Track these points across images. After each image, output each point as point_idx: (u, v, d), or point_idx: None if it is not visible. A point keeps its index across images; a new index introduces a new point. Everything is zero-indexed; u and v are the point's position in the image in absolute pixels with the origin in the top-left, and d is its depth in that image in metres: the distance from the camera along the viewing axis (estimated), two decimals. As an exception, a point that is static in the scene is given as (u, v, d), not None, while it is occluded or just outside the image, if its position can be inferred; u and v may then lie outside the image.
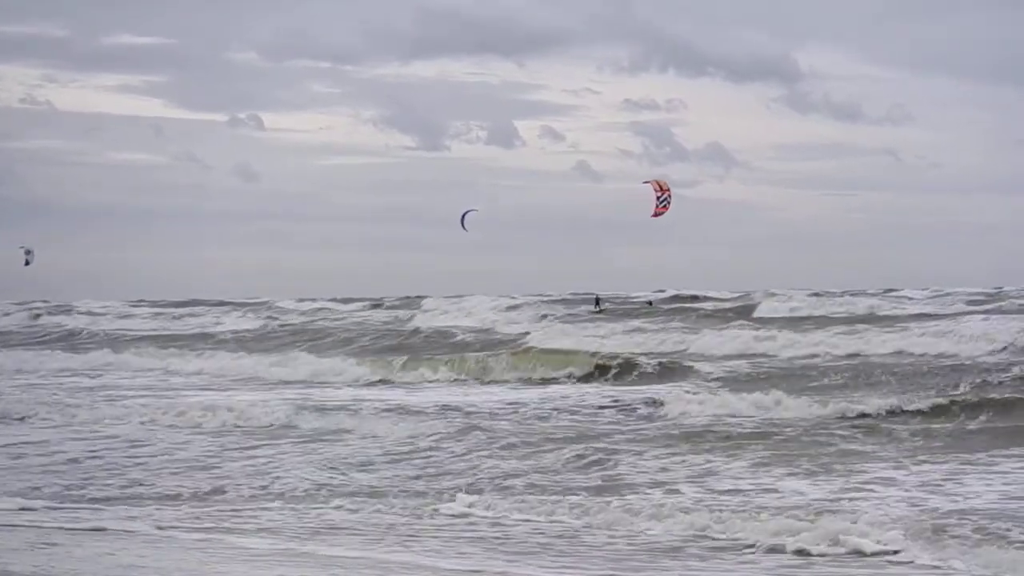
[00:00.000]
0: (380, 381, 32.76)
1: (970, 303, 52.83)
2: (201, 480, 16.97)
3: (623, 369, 31.66)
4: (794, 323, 44.93)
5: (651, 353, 36.43)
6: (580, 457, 17.87)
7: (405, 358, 36.09)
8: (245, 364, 37.93)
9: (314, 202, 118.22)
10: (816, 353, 34.45)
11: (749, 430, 20.71)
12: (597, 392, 27.66)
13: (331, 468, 17.79)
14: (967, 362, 29.59)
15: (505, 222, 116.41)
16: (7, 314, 72.53)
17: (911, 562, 11.63)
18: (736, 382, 27.94)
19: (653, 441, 19.57)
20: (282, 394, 28.68)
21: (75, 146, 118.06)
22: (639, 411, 24.02)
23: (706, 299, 65.17)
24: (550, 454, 18.29)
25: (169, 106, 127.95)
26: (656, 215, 29.22)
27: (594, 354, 35.10)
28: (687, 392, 25.67)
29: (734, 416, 22.64)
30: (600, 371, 31.72)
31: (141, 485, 16.64)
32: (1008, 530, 12.06)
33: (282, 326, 55.30)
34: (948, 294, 63.23)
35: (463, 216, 40.61)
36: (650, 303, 66.16)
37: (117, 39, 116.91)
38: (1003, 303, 50.72)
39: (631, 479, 16.31)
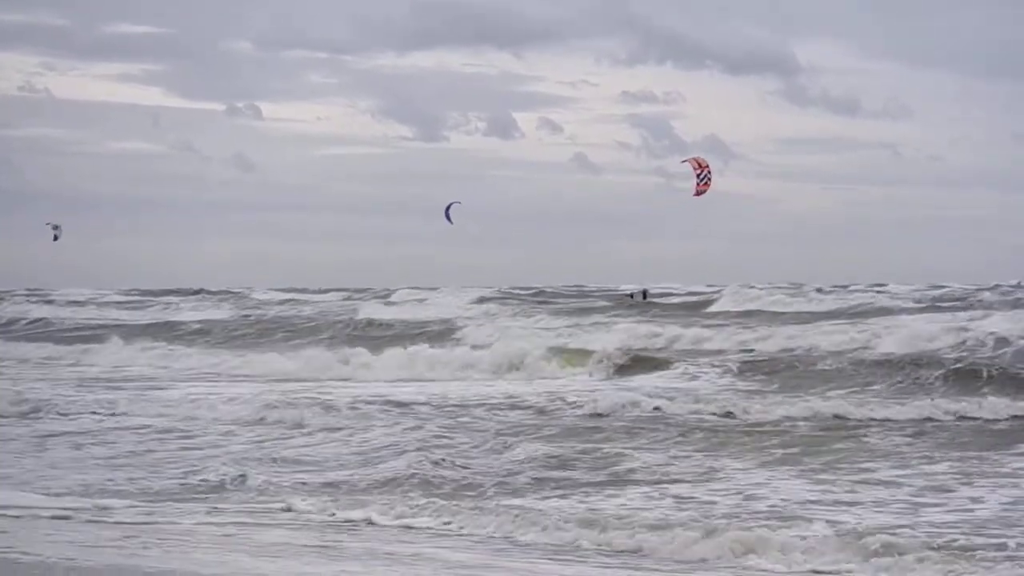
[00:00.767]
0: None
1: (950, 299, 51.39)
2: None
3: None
4: (729, 317, 44.94)
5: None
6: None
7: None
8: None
9: (312, 192, 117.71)
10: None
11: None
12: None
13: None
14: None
15: (503, 214, 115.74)
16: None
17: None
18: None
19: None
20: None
21: (73, 135, 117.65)
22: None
23: (674, 294, 63.87)
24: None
25: (168, 95, 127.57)
26: (698, 193, 28.50)
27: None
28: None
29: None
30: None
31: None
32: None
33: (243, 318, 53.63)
34: (939, 287, 62.68)
35: (447, 209, 39.72)
36: (631, 296, 66.72)
37: (116, 28, 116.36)
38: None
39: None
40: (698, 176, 28.20)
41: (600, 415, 21.71)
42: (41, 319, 54.90)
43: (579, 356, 31.82)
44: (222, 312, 57.12)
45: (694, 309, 52.14)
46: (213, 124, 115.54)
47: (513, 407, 22.86)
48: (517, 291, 75.68)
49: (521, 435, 18.93)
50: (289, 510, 13.47)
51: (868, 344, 32.16)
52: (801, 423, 20.12)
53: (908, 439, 18.30)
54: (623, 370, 29.80)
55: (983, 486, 14.33)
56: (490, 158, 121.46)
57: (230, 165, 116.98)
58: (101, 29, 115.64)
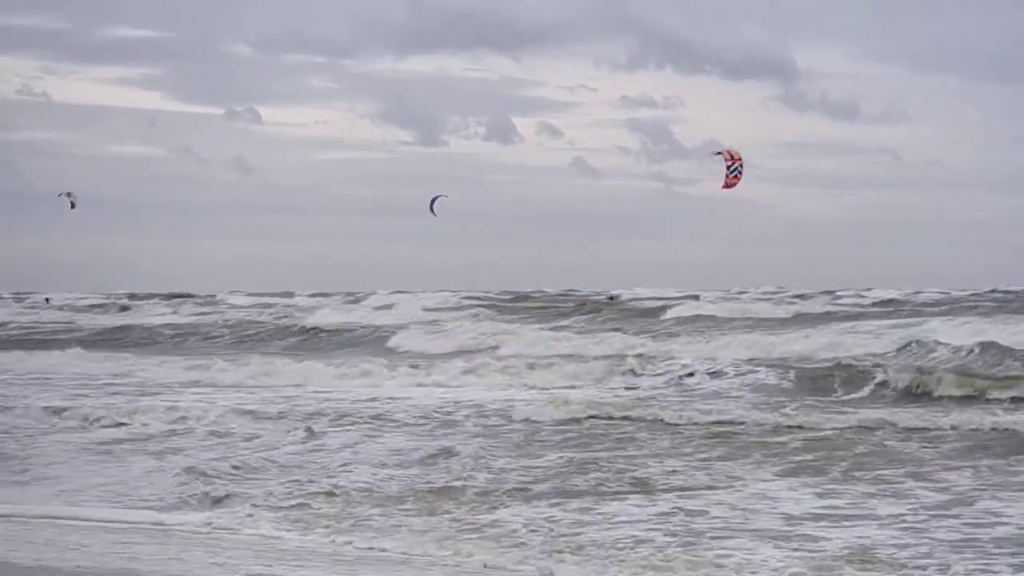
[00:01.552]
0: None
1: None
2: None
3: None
4: (680, 324, 44.73)
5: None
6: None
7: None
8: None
9: (312, 196, 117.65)
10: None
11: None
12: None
13: None
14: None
15: (503, 218, 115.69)
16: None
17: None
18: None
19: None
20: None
21: (72, 138, 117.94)
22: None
23: (641, 299, 63.62)
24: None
25: (166, 99, 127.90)
26: (727, 187, 27.42)
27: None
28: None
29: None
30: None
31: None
32: None
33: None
34: (920, 292, 62.25)
35: (432, 202, 39.63)
36: (612, 298, 67.52)
37: (115, 32, 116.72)
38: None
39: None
40: (728, 168, 27.21)
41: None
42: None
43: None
44: (167, 318, 57.01)
45: (650, 314, 52.03)
46: (212, 128, 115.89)
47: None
48: (497, 295, 75.92)
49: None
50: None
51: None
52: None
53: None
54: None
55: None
56: (490, 163, 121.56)
57: (229, 169, 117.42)
58: (100, 33, 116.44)
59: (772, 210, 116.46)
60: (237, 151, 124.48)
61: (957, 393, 23.63)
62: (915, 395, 23.97)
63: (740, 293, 74.69)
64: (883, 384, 24.79)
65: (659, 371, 28.58)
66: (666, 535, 11.72)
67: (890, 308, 49.77)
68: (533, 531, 12.01)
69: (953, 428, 18.76)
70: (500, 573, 10.50)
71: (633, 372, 28.91)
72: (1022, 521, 12.13)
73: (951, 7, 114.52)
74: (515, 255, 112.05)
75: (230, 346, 42.03)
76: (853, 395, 24.42)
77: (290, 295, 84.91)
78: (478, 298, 72.20)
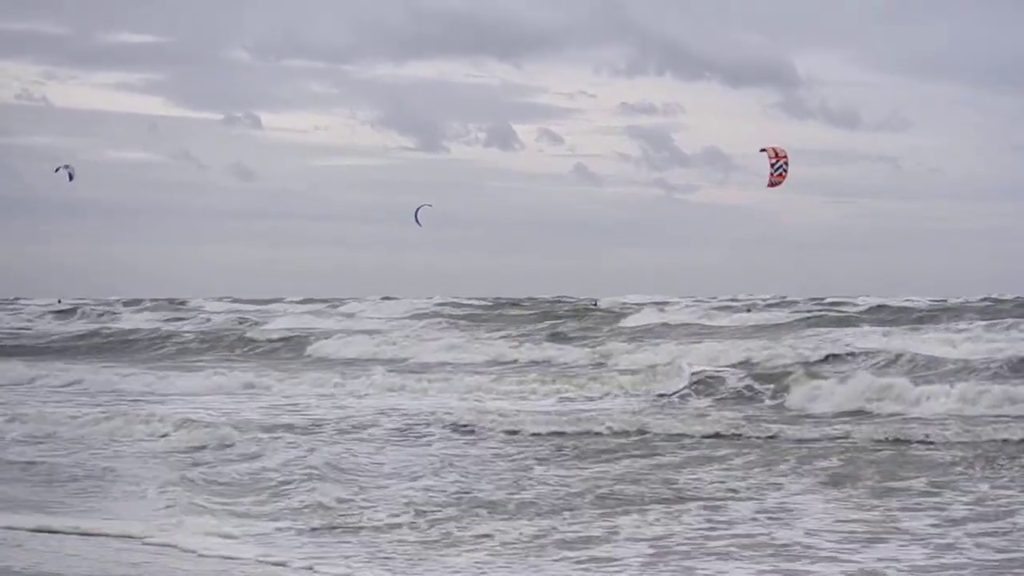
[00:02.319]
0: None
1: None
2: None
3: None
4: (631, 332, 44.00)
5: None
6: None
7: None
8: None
9: (312, 202, 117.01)
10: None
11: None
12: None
13: None
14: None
15: (504, 224, 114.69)
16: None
17: None
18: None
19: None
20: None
21: (72, 143, 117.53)
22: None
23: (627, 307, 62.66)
24: None
25: (167, 104, 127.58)
26: (772, 184, 26.94)
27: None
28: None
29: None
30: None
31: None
32: None
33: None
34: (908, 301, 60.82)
35: (416, 212, 39.20)
36: (595, 303, 68.70)
37: (116, 37, 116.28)
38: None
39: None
40: (773, 165, 26.72)
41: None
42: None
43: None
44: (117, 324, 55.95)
45: (610, 321, 51.02)
46: (212, 133, 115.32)
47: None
48: (484, 302, 75.17)
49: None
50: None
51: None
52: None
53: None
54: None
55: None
56: (490, 169, 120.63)
57: (228, 174, 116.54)
58: (101, 38, 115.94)
59: (772, 217, 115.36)
60: (237, 157, 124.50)
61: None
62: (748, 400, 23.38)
63: (732, 300, 73.61)
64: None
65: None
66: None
67: (876, 316, 48.17)
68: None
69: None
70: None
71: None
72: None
73: (951, 16, 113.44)
74: (515, 261, 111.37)
75: (115, 354, 40.35)
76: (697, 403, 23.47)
77: (278, 301, 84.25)
78: (465, 305, 71.56)
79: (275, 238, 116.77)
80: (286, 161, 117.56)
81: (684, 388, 24.57)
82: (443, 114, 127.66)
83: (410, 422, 19.81)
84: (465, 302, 74.80)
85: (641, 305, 62.10)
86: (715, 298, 75.96)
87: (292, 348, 40.07)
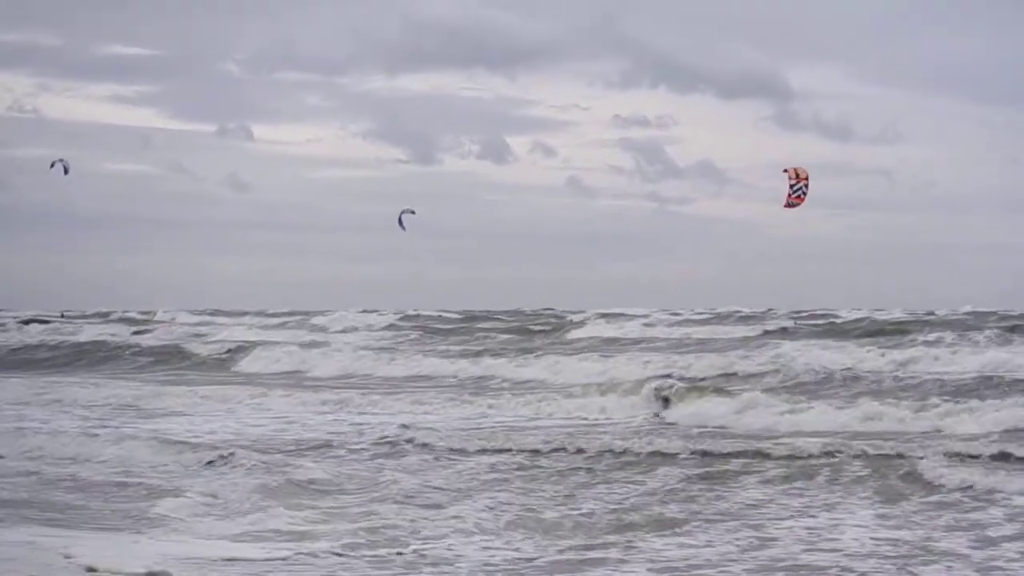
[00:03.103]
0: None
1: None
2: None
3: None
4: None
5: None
6: None
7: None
8: None
9: (306, 214, 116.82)
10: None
11: None
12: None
13: None
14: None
15: (498, 236, 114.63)
16: None
17: None
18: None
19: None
20: None
21: (65, 155, 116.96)
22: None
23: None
24: None
25: (160, 116, 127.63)
26: (789, 206, 25.88)
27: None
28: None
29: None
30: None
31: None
32: None
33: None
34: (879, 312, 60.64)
35: (400, 216, 39.07)
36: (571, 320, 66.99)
37: (110, 49, 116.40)
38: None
39: None
40: (792, 187, 25.79)
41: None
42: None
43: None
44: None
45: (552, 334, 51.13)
46: (205, 145, 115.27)
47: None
48: (458, 314, 75.04)
49: None
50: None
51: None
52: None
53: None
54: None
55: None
56: (484, 181, 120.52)
57: (222, 186, 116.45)
58: (96, 50, 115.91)
59: (767, 230, 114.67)
60: (230, 169, 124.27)
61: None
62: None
63: (718, 312, 73.34)
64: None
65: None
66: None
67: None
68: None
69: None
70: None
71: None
72: None
73: (945, 29, 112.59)
74: (509, 273, 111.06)
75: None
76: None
77: (261, 313, 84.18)
78: (432, 317, 71.30)
79: (270, 250, 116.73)
80: (279, 173, 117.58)
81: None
82: (437, 127, 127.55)
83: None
84: (442, 314, 74.62)
85: (587, 319, 61.66)
86: (694, 310, 75.25)
87: (222, 364, 40.17)
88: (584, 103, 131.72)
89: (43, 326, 62.13)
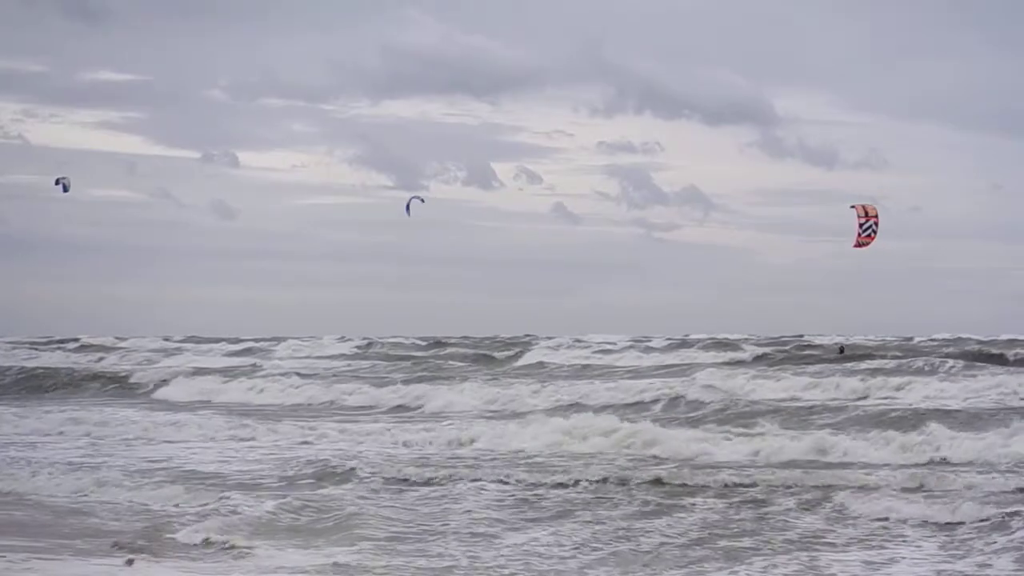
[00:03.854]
0: None
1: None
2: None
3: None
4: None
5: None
6: None
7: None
8: None
9: (290, 241, 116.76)
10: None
11: None
12: None
13: None
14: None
15: (483, 262, 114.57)
16: None
17: None
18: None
19: None
20: None
21: (50, 181, 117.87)
22: None
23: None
24: None
25: (146, 143, 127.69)
26: (859, 245, 25.69)
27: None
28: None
29: None
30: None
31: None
32: None
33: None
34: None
35: (408, 203, 39.34)
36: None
37: (95, 75, 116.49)
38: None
39: None
40: (862, 226, 25.63)
41: None
42: None
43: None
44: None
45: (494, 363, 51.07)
46: (190, 171, 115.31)
47: None
48: (425, 342, 74.99)
49: None
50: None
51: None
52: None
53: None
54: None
55: None
56: (470, 208, 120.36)
57: (207, 213, 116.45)
58: (81, 76, 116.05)
59: (751, 256, 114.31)
60: (216, 195, 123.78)
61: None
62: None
63: (685, 339, 73.18)
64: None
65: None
66: None
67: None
68: None
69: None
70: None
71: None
72: None
73: (929, 56, 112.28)
74: (494, 299, 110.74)
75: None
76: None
77: (232, 340, 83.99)
78: (402, 344, 70.97)
79: (255, 276, 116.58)
80: (265, 199, 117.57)
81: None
82: (422, 153, 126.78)
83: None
84: (406, 341, 74.41)
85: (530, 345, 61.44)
86: (669, 337, 74.91)
87: (144, 390, 40.35)
88: (569, 129, 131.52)
89: None
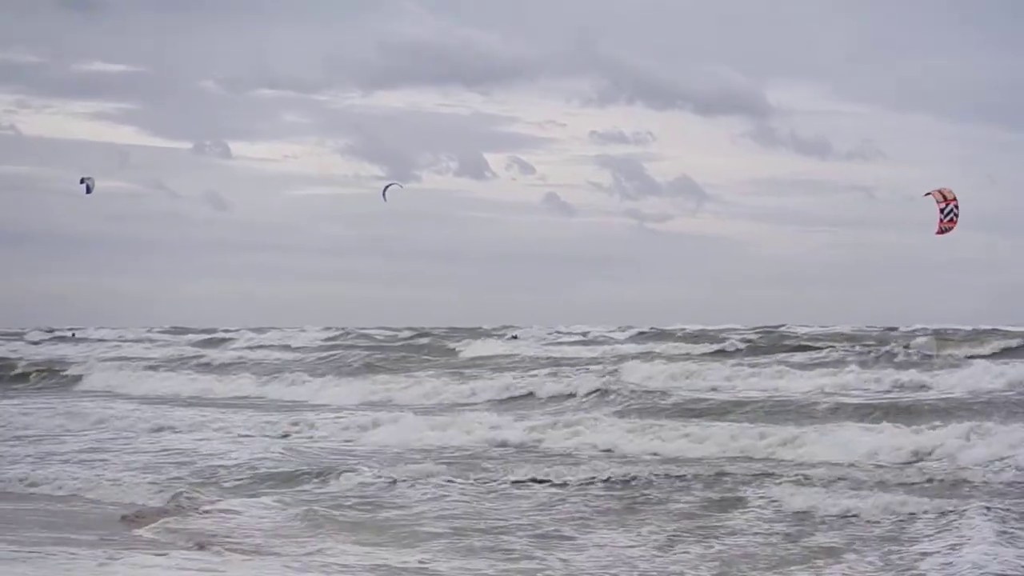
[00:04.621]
0: None
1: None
2: None
3: None
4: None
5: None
6: None
7: None
8: None
9: (284, 231, 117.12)
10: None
11: None
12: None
13: None
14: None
15: (476, 253, 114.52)
16: None
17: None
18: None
19: None
20: None
21: (43, 172, 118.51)
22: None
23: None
24: None
25: (139, 134, 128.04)
26: (942, 232, 24.84)
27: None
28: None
29: None
30: None
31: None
32: None
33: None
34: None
35: (384, 190, 39.41)
36: (515, 336, 67.79)
37: (88, 66, 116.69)
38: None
39: None
40: (943, 211, 24.73)
41: None
42: None
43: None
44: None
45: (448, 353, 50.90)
46: (182, 162, 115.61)
47: None
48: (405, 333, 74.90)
49: None
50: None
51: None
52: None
53: None
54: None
55: None
56: (464, 199, 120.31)
57: (201, 203, 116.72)
58: (74, 67, 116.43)
59: (745, 248, 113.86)
60: (208, 186, 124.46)
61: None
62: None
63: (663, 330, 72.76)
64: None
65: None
66: None
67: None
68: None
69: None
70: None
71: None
72: None
73: (923, 47, 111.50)
74: (486, 291, 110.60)
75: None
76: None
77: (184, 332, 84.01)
78: (373, 336, 70.77)
79: (247, 268, 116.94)
80: (257, 190, 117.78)
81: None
82: (414, 143, 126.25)
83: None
84: (380, 333, 74.15)
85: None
86: (651, 328, 74.48)
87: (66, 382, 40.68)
88: (561, 119, 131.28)
89: None
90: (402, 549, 12.70)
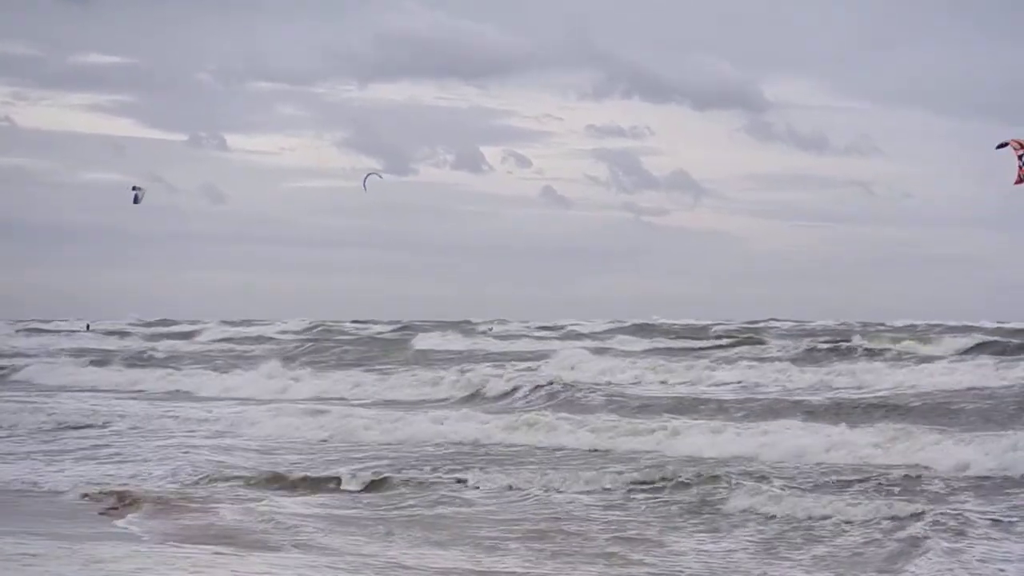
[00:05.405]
0: None
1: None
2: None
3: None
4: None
5: None
6: None
7: None
8: None
9: (280, 223, 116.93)
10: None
11: None
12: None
13: None
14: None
15: (473, 246, 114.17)
16: None
17: None
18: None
19: None
20: None
21: (39, 164, 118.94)
22: None
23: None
24: None
25: (135, 126, 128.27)
26: (1020, 181, 22.82)
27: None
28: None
29: None
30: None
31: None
32: None
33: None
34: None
35: (365, 179, 39.11)
36: (491, 328, 69.62)
37: (85, 58, 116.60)
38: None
39: None
40: (1021, 158, 22.43)
41: None
42: None
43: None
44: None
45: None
46: (179, 155, 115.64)
47: None
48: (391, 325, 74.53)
49: None
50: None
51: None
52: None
53: None
54: None
55: None
56: (460, 192, 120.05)
57: (197, 196, 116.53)
58: (71, 59, 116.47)
59: (743, 242, 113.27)
60: (205, 178, 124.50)
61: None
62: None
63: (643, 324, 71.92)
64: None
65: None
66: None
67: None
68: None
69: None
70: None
71: None
72: None
73: (919, 43, 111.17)
74: (483, 284, 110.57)
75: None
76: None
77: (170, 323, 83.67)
78: (346, 330, 70.31)
79: (243, 259, 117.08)
80: (253, 182, 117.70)
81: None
82: (411, 137, 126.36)
83: None
84: (352, 327, 73.67)
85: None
86: (632, 322, 73.86)
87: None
88: (558, 113, 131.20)
89: None
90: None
